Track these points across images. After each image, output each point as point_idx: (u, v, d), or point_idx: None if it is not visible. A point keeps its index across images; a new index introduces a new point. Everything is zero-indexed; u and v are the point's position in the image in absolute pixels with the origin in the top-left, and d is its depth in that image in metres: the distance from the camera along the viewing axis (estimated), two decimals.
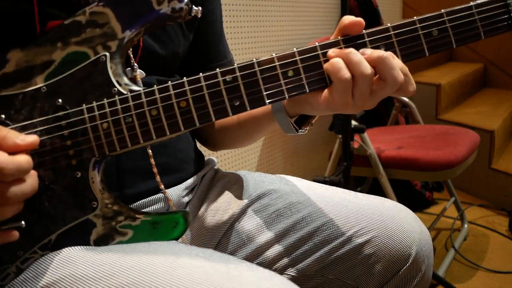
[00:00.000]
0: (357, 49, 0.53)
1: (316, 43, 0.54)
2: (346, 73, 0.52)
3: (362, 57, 0.52)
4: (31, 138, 0.48)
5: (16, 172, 0.45)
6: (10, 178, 0.44)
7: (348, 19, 0.53)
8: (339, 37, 0.54)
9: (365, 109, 0.56)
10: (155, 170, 0.63)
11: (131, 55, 0.59)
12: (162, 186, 0.64)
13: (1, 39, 0.54)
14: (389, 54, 0.52)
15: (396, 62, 0.52)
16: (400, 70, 0.52)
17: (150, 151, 0.62)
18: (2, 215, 0.46)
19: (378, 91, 0.53)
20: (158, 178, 0.63)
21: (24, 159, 0.46)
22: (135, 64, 0.59)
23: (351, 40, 0.54)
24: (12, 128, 0.52)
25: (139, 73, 0.58)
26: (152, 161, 0.62)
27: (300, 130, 0.63)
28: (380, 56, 0.51)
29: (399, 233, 0.65)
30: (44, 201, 0.53)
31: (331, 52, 0.53)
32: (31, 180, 0.47)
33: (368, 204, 0.69)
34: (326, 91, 0.54)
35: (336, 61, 0.52)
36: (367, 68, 0.51)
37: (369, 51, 0.52)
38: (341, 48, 0.54)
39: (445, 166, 1.47)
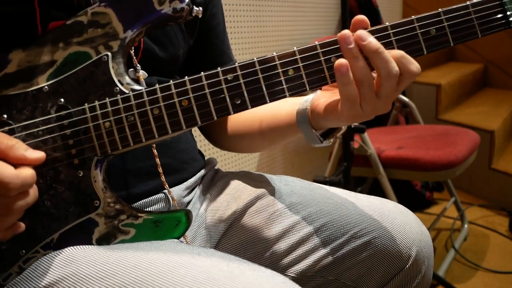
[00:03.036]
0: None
1: (316, 42, 0.55)
2: (351, 90, 0.53)
3: (364, 63, 0.52)
4: (39, 154, 0.50)
5: (21, 188, 0.46)
6: (14, 192, 0.45)
7: (355, 18, 0.54)
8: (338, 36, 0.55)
9: (380, 113, 0.56)
10: (160, 169, 0.63)
11: (134, 56, 0.59)
12: (167, 186, 0.64)
13: (3, 40, 0.55)
14: (383, 48, 0.52)
15: (388, 54, 0.52)
16: (393, 61, 0.52)
17: (155, 151, 0.63)
18: (6, 225, 0.48)
19: (381, 90, 0.53)
20: (163, 178, 0.64)
21: (29, 174, 0.47)
22: (138, 65, 0.59)
23: None
24: (14, 128, 0.52)
25: (142, 74, 0.59)
26: (157, 160, 0.63)
27: (325, 141, 0.63)
28: (375, 50, 0.52)
29: (400, 234, 0.65)
30: (46, 201, 0.53)
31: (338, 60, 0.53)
32: (33, 191, 0.49)
33: (368, 205, 0.69)
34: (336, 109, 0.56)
35: (342, 75, 0.52)
36: (368, 74, 0.52)
37: (368, 38, 0.52)
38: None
39: (445, 166, 1.47)
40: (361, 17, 0.55)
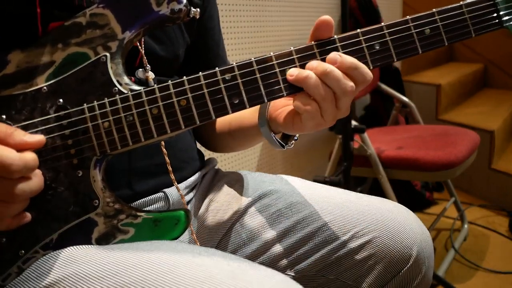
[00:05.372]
0: (357, 51, 0.55)
1: (313, 42, 0.56)
2: (312, 106, 0.54)
3: (319, 82, 0.53)
4: (38, 137, 0.50)
5: (24, 169, 0.46)
6: (17, 175, 0.45)
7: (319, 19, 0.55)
8: (335, 36, 0.56)
9: (339, 117, 0.58)
10: (169, 167, 0.63)
11: (144, 56, 0.60)
12: (176, 183, 0.64)
13: (2, 40, 0.55)
14: (331, 67, 0.53)
15: (338, 73, 0.53)
16: (344, 79, 0.53)
17: (164, 149, 0.63)
18: (10, 212, 0.47)
19: (339, 102, 0.55)
20: (172, 176, 0.63)
21: (31, 157, 0.47)
22: (148, 65, 0.60)
23: (346, 39, 0.55)
24: None
25: (151, 74, 0.60)
26: (167, 158, 0.63)
27: (286, 146, 0.65)
28: (324, 71, 0.53)
29: (400, 234, 0.65)
30: (46, 200, 0.53)
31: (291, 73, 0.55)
32: (37, 179, 0.49)
33: (369, 205, 0.69)
34: (295, 119, 0.57)
35: (302, 95, 0.54)
36: (328, 92, 0.53)
37: (315, 64, 0.54)
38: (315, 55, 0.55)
39: (445, 166, 1.47)
40: (322, 20, 0.55)
